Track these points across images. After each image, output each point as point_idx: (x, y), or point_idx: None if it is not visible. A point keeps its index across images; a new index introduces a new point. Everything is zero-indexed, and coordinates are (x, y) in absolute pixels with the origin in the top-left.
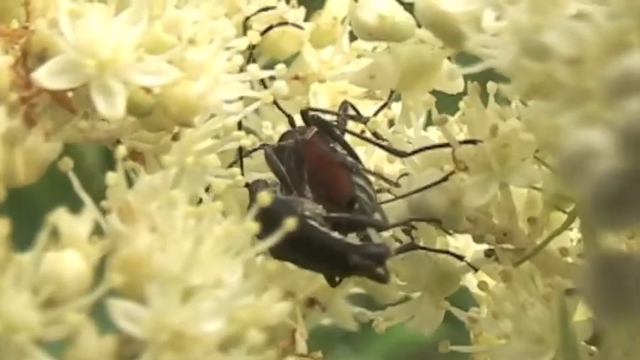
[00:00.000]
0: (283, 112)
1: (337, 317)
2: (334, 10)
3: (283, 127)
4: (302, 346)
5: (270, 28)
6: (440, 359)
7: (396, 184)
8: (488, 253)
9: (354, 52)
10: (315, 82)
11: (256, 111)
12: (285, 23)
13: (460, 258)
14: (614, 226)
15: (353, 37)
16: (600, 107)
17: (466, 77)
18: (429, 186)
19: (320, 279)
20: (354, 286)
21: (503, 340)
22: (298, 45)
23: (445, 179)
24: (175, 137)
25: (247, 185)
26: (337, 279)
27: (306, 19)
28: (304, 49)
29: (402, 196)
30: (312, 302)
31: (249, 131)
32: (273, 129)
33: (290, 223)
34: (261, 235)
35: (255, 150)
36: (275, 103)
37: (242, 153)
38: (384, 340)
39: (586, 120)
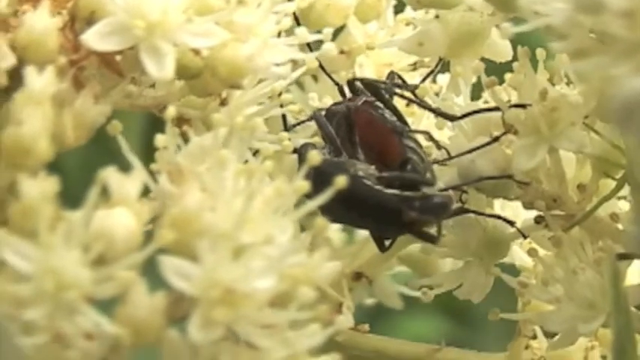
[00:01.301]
0: (330, 77)
1: (382, 295)
2: None
3: (329, 99)
4: (349, 319)
5: None
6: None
7: (441, 148)
8: (538, 220)
9: (398, 25)
10: (360, 55)
11: (300, 86)
12: None
13: (511, 223)
14: None
15: (397, 12)
16: None
17: (514, 45)
18: (477, 148)
19: (365, 254)
20: (398, 265)
21: (551, 307)
22: (343, 18)
23: (496, 140)
24: (223, 102)
25: (295, 151)
26: (387, 243)
27: None
28: (350, 22)
29: (452, 157)
30: (358, 276)
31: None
32: (320, 101)
33: (341, 181)
34: (313, 197)
35: (304, 121)
36: (321, 67)
37: (285, 120)
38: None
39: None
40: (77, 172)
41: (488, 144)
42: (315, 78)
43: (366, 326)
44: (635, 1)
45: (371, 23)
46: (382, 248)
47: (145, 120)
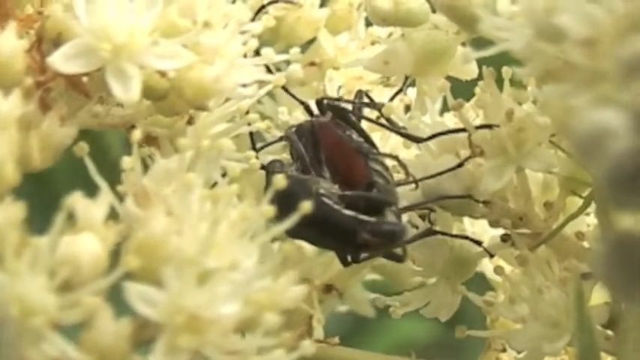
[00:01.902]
0: (295, 97)
1: (353, 304)
2: None
3: (299, 113)
4: (319, 332)
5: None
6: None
7: (408, 175)
8: (505, 238)
9: (369, 38)
10: (330, 67)
11: (273, 97)
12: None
13: (478, 243)
14: (631, 204)
15: (369, 23)
16: (614, 88)
17: (480, 63)
18: (444, 172)
19: (336, 265)
20: (370, 273)
21: (519, 325)
22: (314, 31)
23: (460, 165)
24: (190, 121)
25: (263, 167)
26: (349, 259)
27: (322, 5)
28: (320, 34)
29: (419, 180)
30: (329, 288)
31: (265, 117)
32: (290, 114)
33: (306, 206)
34: (278, 213)
35: (274, 142)
36: (285, 89)
37: (252, 136)
38: (380, 341)
39: (600, 101)
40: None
41: (454, 168)
42: (286, 90)
43: (336, 339)
44: (595, 29)
45: (342, 35)
46: (345, 263)
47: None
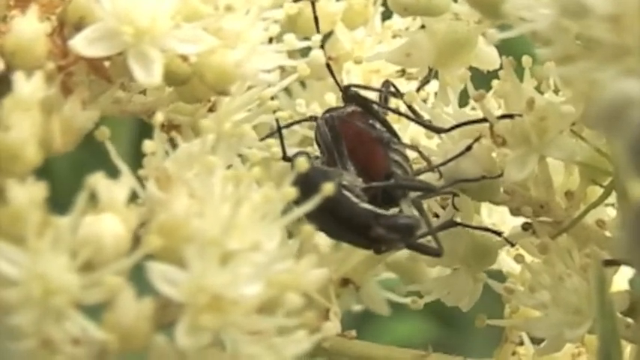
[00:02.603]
0: (336, 82)
1: (369, 301)
2: None
3: (316, 105)
4: (336, 325)
5: None
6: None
7: (429, 162)
8: (525, 227)
9: (386, 32)
10: (347, 62)
11: (287, 92)
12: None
13: (498, 234)
14: None
15: (384, 18)
16: (637, 62)
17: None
18: (459, 155)
19: (352, 261)
20: (384, 271)
21: (537, 313)
22: (331, 24)
23: (471, 147)
24: (212, 109)
25: (286, 159)
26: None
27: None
28: (337, 28)
29: (436, 166)
30: (345, 282)
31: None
32: (307, 107)
33: (328, 187)
34: (300, 204)
35: (296, 123)
36: (328, 67)
37: (279, 125)
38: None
39: (625, 74)
40: (67, 176)
41: (469, 148)
42: (302, 84)
43: (353, 332)
44: (620, 5)
45: (358, 30)
46: (378, 251)
47: (135, 126)
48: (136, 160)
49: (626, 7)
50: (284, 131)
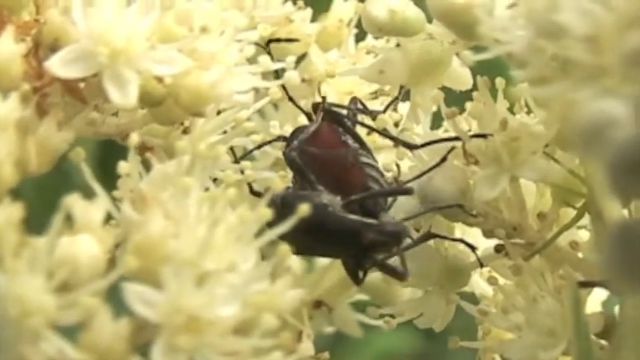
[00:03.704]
0: (296, 105)
1: (341, 324)
2: (340, 13)
3: (289, 127)
4: (309, 347)
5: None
6: None
7: (400, 181)
8: (498, 249)
9: (360, 53)
10: (321, 83)
11: (261, 114)
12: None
13: (472, 248)
14: (633, 192)
15: (358, 40)
16: (615, 82)
17: (474, 74)
18: (434, 166)
19: (325, 283)
20: (357, 293)
21: (511, 335)
22: (305, 46)
23: (450, 152)
24: (186, 131)
25: (255, 193)
26: (357, 270)
27: (313, 21)
28: (311, 50)
29: (408, 181)
30: (318, 304)
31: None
32: (281, 128)
33: (304, 209)
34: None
35: (269, 142)
36: (287, 93)
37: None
38: (362, 354)
39: (603, 94)
40: (34, 197)
41: (444, 158)
42: (275, 106)
43: (326, 354)
44: (597, 25)
45: (332, 51)
46: (356, 280)
47: (101, 147)
48: (103, 180)
49: (603, 28)
50: (256, 152)
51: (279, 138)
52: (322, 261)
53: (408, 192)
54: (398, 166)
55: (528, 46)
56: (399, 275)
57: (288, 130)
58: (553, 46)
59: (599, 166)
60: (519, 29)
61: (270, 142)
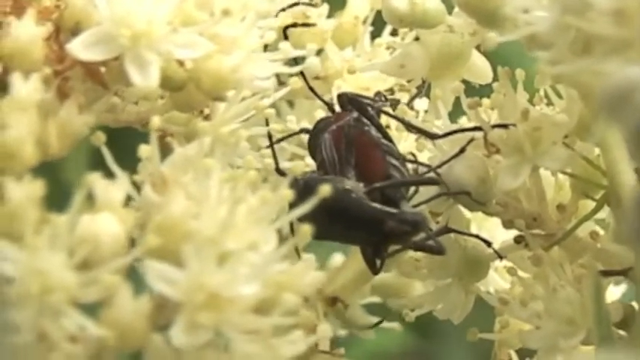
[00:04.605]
0: (319, 97)
1: (354, 324)
2: (356, 10)
3: (306, 123)
4: (324, 343)
5: (294, 25)
6: None
7: (428, 165)
8: (518, 240)
9: (375, 51)
10: (337, 80)
11: (277, 111)
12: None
13: (488, 243)
14: None
15: (373, 37)
16: None
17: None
18: (453, 157)
19: (338, 281)
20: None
21: (528, 327)
22: (321, 41)
23: (469, 143)
24: (207, 118)
25: (279, 171)
26: (378, 264)
27: (329, 17)
28: (327, 46)
29: (428, 171)
30: (334, 301)
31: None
32: (298, 123)
33: (325, 190)
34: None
35: (287, 137)
36: (310, 87)
37: (271, 138)
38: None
39: (628, 66)
40: None
41: (463, 149)
42: (290, 103)
43: (342, 350)
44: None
45: (347, 49)
46: (374, 269)
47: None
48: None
49: (628, 1)
50: (275, 147)
51: (302, 130)
52: (335, 260)
53: (433, 182)
54: (414, 155)
55: (553, 26)
56: (436, 250)
57: (304, 127)
58: (578, 22)
59: (622, 133)
60: (543, 10)
61: (292, 135)
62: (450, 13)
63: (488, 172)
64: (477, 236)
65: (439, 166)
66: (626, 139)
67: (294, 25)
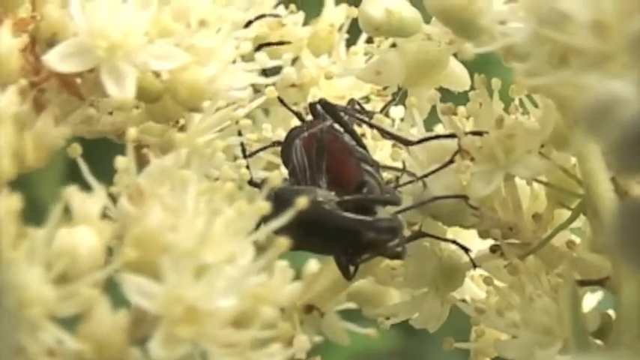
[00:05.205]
0: (288, 108)
1: (329, 331)
2: (331, 17)
3: (281, 131)
4: (305, 341)
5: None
6: None
7: (413, 174)
8: (494, 249)
9: (350, 58)
10: (312, 87)
11: (252, 119)
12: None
13: (466, 250)
14: (638, 170)
15: (349, 45)
16: (620, 68)
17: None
18: (440, 168)
19: (314, 289)
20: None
21: (506, 336)
22: (296, 50)
23: (450, 162)
24: (181, 129)
25: (253, 183)
26: (349, 266)
27: (304, 25)
28: (303, 54)
29: (405, 183)
30: (310, 309)
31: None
32: (273, 132)
33: (302, 202)
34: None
35: (261, 150)
36: (281, 100)
37: (245, 150)
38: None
39: (608, 79)
40: None
41: (442, 167)
42: (265, 112)
43: (318, 358)
44: (601, 11)
45: (322, 57)
46: (347, 275)
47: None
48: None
49: (606, 13)
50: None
51: (274, 144)
52: (311, 267)
53: (395, 203)
54: (404, 163)
55: (530, 37)
56: (398, 255)
57: (280, 134)
58: (556, 34)
59: (602, 146)
60: (519, 22)
61: (264, 148)
62: (427, 22)
63: (463, 189)
64: (454, 241)
65: (425, 176)
66: (606, 151)
67: (269, 44)
